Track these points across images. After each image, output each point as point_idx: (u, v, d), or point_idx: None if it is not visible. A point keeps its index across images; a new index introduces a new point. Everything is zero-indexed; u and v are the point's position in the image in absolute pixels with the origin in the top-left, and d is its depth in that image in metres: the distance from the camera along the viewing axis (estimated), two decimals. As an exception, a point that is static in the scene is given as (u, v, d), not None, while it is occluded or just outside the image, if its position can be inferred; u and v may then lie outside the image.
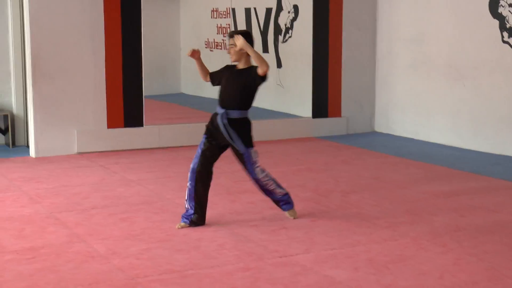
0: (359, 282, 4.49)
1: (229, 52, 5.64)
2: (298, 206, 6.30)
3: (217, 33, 13.87)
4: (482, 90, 9.14)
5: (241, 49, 5.49)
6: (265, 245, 5.19)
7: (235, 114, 5.58)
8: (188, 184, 5.67)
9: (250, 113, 5.71)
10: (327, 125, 10.37)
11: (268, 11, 12.31)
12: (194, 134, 9.50)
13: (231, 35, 5.57)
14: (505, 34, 8.76)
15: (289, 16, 11.73)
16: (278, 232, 5.56)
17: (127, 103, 9.03)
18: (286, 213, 5.92)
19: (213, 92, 13.98)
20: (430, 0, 9.84)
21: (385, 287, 4.43)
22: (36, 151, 8.58)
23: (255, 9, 12.70)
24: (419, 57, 10.04)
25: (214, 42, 14.05)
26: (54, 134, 8.67)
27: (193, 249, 5.13)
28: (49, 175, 7.57)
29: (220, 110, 5.60)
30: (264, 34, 12.47)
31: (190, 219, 5.65)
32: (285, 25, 11.85)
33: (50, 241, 5.30)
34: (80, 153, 8.76)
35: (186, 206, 5.68)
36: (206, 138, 5.71)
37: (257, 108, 12.58)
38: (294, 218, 5.87)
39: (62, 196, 6.67)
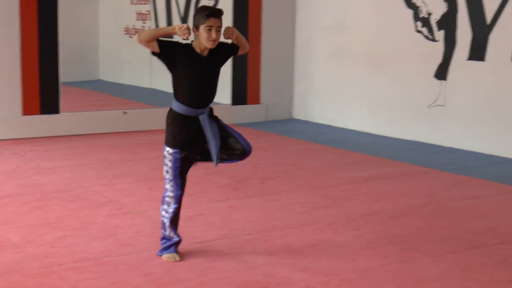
0: (274, 267, 4.55)
1: (214, 37, 4.46)
2: (216, 192, 6.34)
3: (137, 20, 13.76)
4: (397, 78, 9.37)
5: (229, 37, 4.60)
6: (182, 231, 5.18)
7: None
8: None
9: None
10: (246, 112, 10.43)
11: (189, -3, 12.27)
12: (112, 121, 9.43)
13: (216, 15, 4.48)
14: (419, 23, 9.00)
15: (209, 3, 11.72)
16: (196, 218, 5.58)
17: (44, 89, 8.84)
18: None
19: (132, 79, 13.96)
20: (347, -11, 10.02)
21: (299, 271, 4.50)
22: None
23: (175, -5, 12.64)
24: (337, 46, 10.19)
25: (133, 28, 13.92)
26: (-34, 121, 8.45)
27: (109, 237, 5.10)
28: (-39, 163, 7.38)
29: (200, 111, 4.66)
30: (184, 20, 12.42)
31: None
32: (205, 12, 11.82)
33: (-39, 231, 5.17)
34: (-6, 141, 8.57)
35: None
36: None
37: (177, 95, 12.60)
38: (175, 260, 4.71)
39: (-25, 185, 6.52)
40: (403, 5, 9.18)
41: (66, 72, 9.58)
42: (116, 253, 4.76)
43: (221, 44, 4.63)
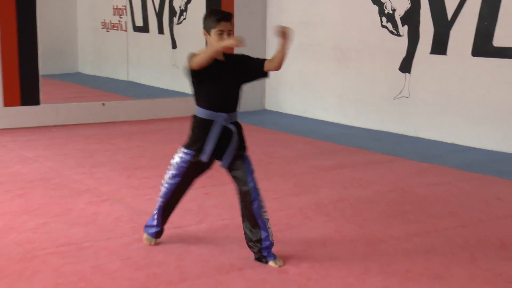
0: (248, 250, 4.56)
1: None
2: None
3: (113, 14, 13.78)
4: (364, 71, 9.55)
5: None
6: (160, 217, 5.32)
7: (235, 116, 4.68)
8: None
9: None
10: (221, 103, 10.53)
11: (163, -8, 12.34)
12: (91, 112, 9.55)
13: (227, 18, 4.39)
14: (384, 19, 9.20)
15: (183, -1, 11.83)
16: (173, 205, 5.71)
17: (24, 81, 8.91)
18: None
19: (109, 72, 14.02)
20: (317, -15, 10.20)
21: (272, 254, 4.57)
22: None
23: (150, -10, 12.72)
24: (307, 40, 10.34)
25: (110, 23, 13.96)
26: None
27: (90, 223, 5.16)
28: None
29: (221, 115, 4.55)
30: (159, 16, 12.48)
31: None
32: (180, 7, 11.91)
33: None
34: (-26, 132, 8.59)
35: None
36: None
37: (153, 87, 12.70)
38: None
39: (-43, 174, 6.53)
40: (369, 1, 9.36)
41: (46, 65, 9.66)
42: (96, 238, 4.83)
43: (242, 55, 4.58)
